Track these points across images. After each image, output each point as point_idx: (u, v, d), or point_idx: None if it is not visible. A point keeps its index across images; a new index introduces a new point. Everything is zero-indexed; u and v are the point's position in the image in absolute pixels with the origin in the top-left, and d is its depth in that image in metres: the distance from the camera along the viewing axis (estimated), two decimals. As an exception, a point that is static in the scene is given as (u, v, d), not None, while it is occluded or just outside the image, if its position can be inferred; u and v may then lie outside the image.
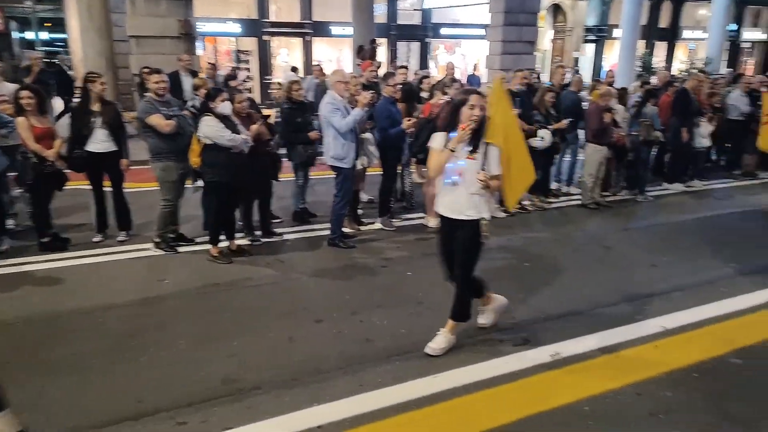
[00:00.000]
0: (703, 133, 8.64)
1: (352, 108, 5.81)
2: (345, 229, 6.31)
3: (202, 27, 17.46)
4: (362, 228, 6.66)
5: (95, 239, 6.10)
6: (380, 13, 21.42)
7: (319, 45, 22.13)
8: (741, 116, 9.24)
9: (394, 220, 6.86)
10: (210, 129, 5.22)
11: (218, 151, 5.25)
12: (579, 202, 7.87)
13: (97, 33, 12.56)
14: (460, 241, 3.79)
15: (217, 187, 5.44)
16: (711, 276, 5.37)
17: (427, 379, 3.55)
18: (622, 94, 7.92)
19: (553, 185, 8.36)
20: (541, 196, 7.76)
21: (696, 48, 26.39)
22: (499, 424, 3.13)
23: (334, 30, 21.70)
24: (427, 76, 9.99)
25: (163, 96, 5.63)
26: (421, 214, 7.11)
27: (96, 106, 5.77)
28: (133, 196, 6.51)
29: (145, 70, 7.60)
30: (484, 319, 4.25)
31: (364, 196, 7.44)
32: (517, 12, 14.12)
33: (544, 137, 7.08)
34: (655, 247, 6.29)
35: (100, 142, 5.77)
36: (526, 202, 7.59)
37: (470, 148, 3.62)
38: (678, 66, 23.77)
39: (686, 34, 26.83)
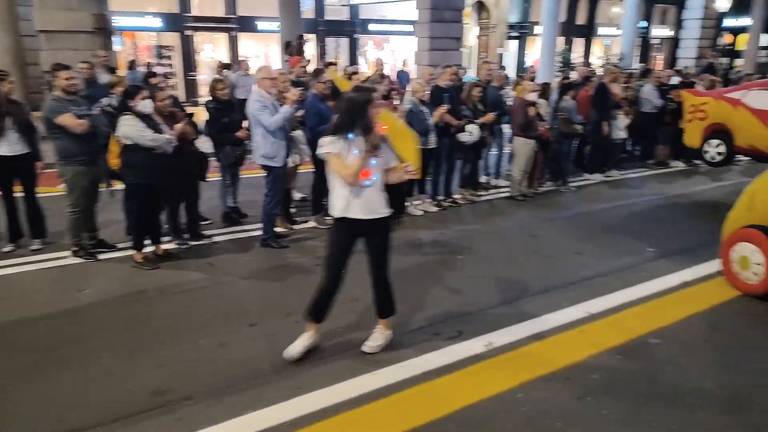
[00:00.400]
0: (620, 125, 9.11)
1: (281, 105, 5.70)
2: (277, 229, 6.20)
3: (118, 21, 16.61)
4: (295, 227, 6.56)
5: (6, 249, 5.69)
6: (308, 8, 21.13)
7: (245, 40, 21.60)
8: (653, 109, 9.80)
9: (328, 218, 6.80)
10: (130, 129, 4.96)
11: (139, 152, 5.01)
12: (507, 194, 8.11)
13: (2, 27, 11.68)
14: (377, 241, 3.72)
15: (139, 190, 5.20)
16: (631, 261, 5.67)
17: (364, 377, 3.54)
18: (545, 89, 8.21)
19: (482, 178, 8.56)
20: (471, 189, 7.93)
21: (611, 44, 27.79)
22: (437, 417, 3.17)
23: (261, 25, 21.25)
24: (356, 72, 10.00)
25: (75, 94, 5.31)
26: (354, 211, 7.08)
27: (5, 107, 5.38)
28: (47, 201, 6.11)
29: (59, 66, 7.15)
30: (377, 342, 3.86)
31: (296, 195, 7.34)
32: (443, 9, 14.36)
33: (472, 132, 7.23)
34: (579, 235, 6.58)
35: (11, 144, 5.39)
36: (457, 196, 7.74)
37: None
38: (595, 61, 24.95)
39: (602, 30, 28.20)
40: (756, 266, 4.70)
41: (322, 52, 21.71)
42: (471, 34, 24.02)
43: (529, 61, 24.30)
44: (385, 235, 3.76)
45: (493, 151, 8.79)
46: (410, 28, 20.67)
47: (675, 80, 10.82)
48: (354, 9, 22.16)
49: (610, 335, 4.10)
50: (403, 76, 14.74)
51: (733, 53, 27.46)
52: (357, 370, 3.61)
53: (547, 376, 3.58)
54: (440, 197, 7.55)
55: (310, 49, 19.65)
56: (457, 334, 4.11)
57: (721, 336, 4.15)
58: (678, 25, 25.28)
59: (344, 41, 23.05)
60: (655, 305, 4.64)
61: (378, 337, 3.90)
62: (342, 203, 3.59)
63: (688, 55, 20.92)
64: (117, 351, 3.88)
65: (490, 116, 7.55)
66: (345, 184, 3.52)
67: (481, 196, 8.06)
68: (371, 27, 23.20)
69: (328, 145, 3.49)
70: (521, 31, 25.68)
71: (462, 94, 7.63)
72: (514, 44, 26.02)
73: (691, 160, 10.45)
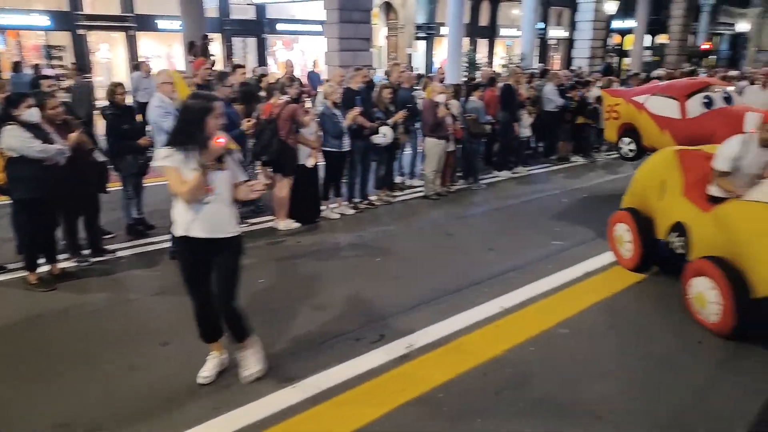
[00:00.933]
0: (524, 124, 9.54)
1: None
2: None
3: (0, 19, 15.27)
4: (207, 236, 6.31)
5: None
6: (211, 7, 20.45)
7: (145, 40, 20.55)
8: (555, 108, 10.35)
9: (241, 225, 6.60)
10: (15, 140, 4.56)
11: (27, 165, 4.61)
12: (422, 193, 8.26)
13: None
14: (223, 263, 3.34)
15: (29, 205, 4.79)
16: (540, 254, 5.94)
17: (284, 390, 3.46)
18: (457, 90, 8.43)
19: (397, 179, 8.66)
20: (386, 190, 8.00)
21: (512, 45, 29.05)
22: (361, 425, 3.15)
23: (161, 24, 20.30)
24: (265, 75, 9.78)
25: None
26: (269, 217, 6.94)
27: None
28: None
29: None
30: (251, 368, 3.53)
31: (206, 203, 7.05)
32: (351, 9, 14.35)
33: (386, 134, 7.28)
34: (491, 231, 6.82)
35: None
36: (373, 198, 7.78)
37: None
38: (498, 61, 26.00)
39: (504, 32, 29.43)
40: (626, 243, 5.36)
41: (228, 53, 21.07)
42: (380, 34, 24.25)
43: (437, 62, 24.88)
44: (232, 257, 3.38)
45: (407, 152, 8.92)
46: (319, 28, 20.56)
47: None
48: (260, 8, 21.70)
49: (523, 328, 4.27)
50: (314, 77, 14.63)
51: (621, 53, 29.60)
52: (276, 385, 3.51)
53: (466, 373, 3.67)
54: (356, 199, 7.56)
55: (215, 49, 19.01)
56: (379, 338, 4.12)
57: (622, 322, 4.45)
58: (572, 26, 26.87)
59: (252, 41, 22.52)
60: (562, 296, 4.89)
61: (249, 362, 3.55)
62: (183, 220, 3.25)
63: (582, 55, 22.25)
64: (13, 383, 3.55)
65: (400, 114, 7.62)
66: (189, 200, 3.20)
67: (396, 196, 8.16)
68: (279, 27, 22.82)
69: (163, 159, 3.16)
70: (428, 31, 26.26)
71: (373, 96, 7.67)
72: (422, 44, 26.57)
73: (590, 154, 11.14)
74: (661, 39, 29.89)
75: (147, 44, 20.61)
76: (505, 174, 9.63)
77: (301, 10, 22.45)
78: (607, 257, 5.70)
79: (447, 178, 8.46)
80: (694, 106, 7.27)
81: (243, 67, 8.72)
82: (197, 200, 3.19)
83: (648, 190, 5.29)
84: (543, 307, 4.68)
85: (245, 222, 6.73)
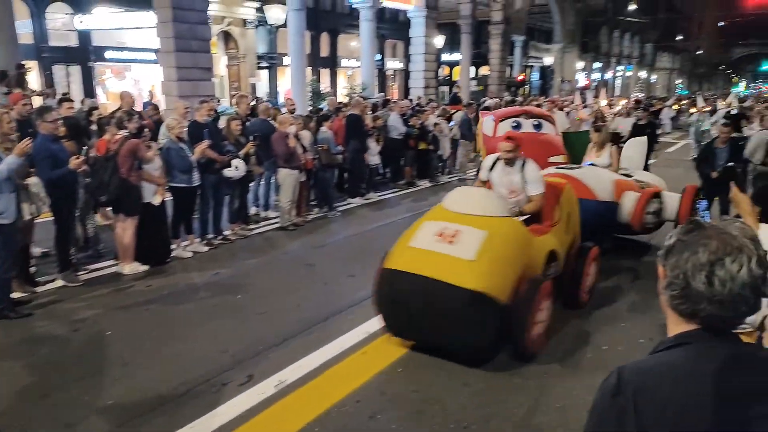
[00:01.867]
0: (373, 151, 9.94)
1: (5, 152, 4.86)
2: (15, 295, 5.24)
3: None
4: (38, 289, 5.62)
5: None
6: (25, 32, 18.44)
7: (-59, 68, 17.80)
8: (399, 135, 10.92)
9: (79, 273, 5.99)
10: None
11: None
12: (278, 225, 8.17)
13: None
14: None
15: None
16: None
17: (150, 450, 3.20)
18: (308, 121, 8.53)
19: (252, 211, 8.49)
20: (241, 224, 7.79)
21: (353, 74, 30.14)
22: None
23: (-37, 50, 17.77)
24: (96, 108, 9.06)
25: None
26: (112, 262, 6.38)
27: None
28: None
29: None
30: None
31: (36, 250, 6.30)
32: (189, 38, 13.88)
33: (238, 167, 7.12)
34: (350, 258, 6.95)
35: None
36: (227, 232, 7.52)
37: None
38: (341, 91, 26.79)
39: (344, 62, 30.42)
40: None
41: (49, 82, 19.08)
42: (220, 63, 23.68)
43: (281, 91, 24.91)
44: None
45: (261, 183, 8.79)
46: (153, 56, 19.53)
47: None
48: (84, 35, 20.00)
49: (390, 352, 4.41)
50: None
51: (451, 83, 32.17)
52: (141, 444, 3.24)
53: (340, 402, 3.70)
54: (210, 236, 7.25)
55: (33, 79, 17.13)
56: (247, 380, 3.99)
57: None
58: (407, 58, 28.64)
59: (76, 69, 20.62)
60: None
61: None
62: None
63: (417, 85, 23.76)
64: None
65: (249, 144, 7.50)
66: None
67: (252, 229, 7.98)
68: (109, 54, 21.20)
69: None
70: (270, 61, 26.21)
71: (222, 130, 7.47)
72: (265, 74, 26.43)
73: (434, 177, 11.91)
74: (484, 71, 33.07)
75: (-57, 72, 17.89)
76: (358, 201, 9.90)
77: (133, 38, 21.12)
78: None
79: (302, 208, 8.48)
80: (504, 127, 8.28)
81: (71, 100, 7.99)
82: None
83: None
84: (406, 327, 4.87)
85: (84, 269, 6.13)
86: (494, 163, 5.24)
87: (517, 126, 8.20)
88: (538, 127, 8.27)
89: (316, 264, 6.71)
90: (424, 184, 11.74)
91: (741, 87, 79.83)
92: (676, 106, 28.03)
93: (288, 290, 5.82)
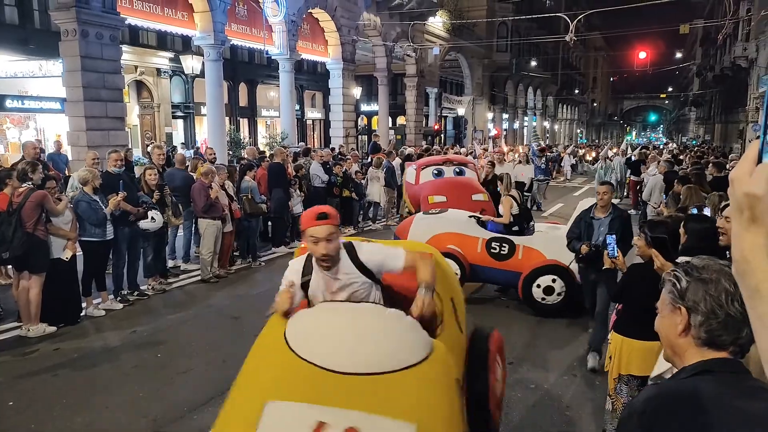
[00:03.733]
0: (296, 200, 9.88)
1: None
2: None
3: None
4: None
5: None
6: None
7: None
8: (321, 183, 10.96)
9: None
10: None
11: None
12: (199, 277, 7.84)
13: None
14: None
15: None
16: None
17: None
18: (232, 172, 8.40)
19: (170, 263, 8.11)
20: (159, 278, 7.41)
21: (273, 124, 30.15)
22: None
23: None
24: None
25: None
26: (14, 324, 5.84)
27: None
28: None
29: None
30: None
31: None
32: (99, 88, 13.42)
33: (155, 218, 6.83)
34: (276, 309, 6.75)
35: None
36: (144, 287, 7.13)
37: None
38: (261, 140, 26.64)
39: (264, 112, 30.43)
40: None
41: (-62, 132, 17.63)
42: (133, 113, 22.96)
43: (199, 140, 24.42)
44: None
45: (180, 234, 8.46)
46: (58, 105, 18.62)
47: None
48: (-19, 82, 18.79)
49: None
50: (59, 159, 13.03)
51: (370, 132, 32.95)
52: None
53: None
54: (125, 291, 6.83)
55: None
56: (171, 444, 3.72)
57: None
58: (327, 108, 29.11)
59: (-30, 119, 19.24)
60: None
61: None
62: None
63: (337, 134, 24.15)
64: None
65: (165, 192, 7.24)
66: None
67: (171, 283, 7.60)
68: (9, 104, 19.97)
69: None
70: (186, 110, 25.74)
71: (138, 180, 7.18)
72: (181, 123, 25.88)
73: (357, 224, 11.98)
74: (401, 120, 34.18)
75: None
76: (282, 249, 9.74)
77: (36, 86, 20.07)
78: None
79: (225, 259, 8.22)
80: (426, 175, 8.61)
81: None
82: None
83: None
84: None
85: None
86: (305, 276, 2.91)
87: (439, 173, 8.53)
88: (459, 173, 8.64)
89: (241, 316, 6.47)
90: (349, 230, 11.78)
91: (633, 135, 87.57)
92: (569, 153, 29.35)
93: (212, 346, 5.56)
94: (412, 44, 27.10)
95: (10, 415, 4.15)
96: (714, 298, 1.19)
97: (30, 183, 5.91)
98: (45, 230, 5.74)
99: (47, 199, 5.78)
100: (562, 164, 25.39)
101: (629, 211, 8.08)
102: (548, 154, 20.81)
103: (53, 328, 5.77)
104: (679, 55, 55.71)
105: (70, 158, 13.44)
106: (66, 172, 11.37)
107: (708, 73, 42.76)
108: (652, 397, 1.18)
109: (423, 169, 8.89)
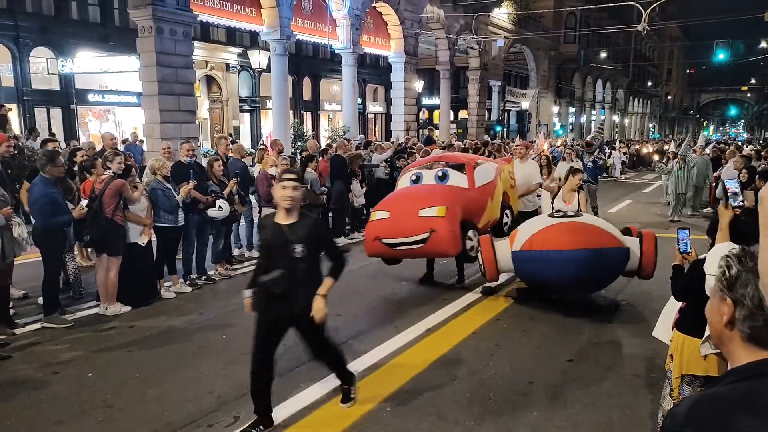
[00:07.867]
0: (358, 192, 10.03)
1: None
2: (-7, 338, 5.11)
3: None
4: (18, 331, 5.49)
5: None
6: (7, 76, 18.53)
7: None
8: (385, 176, 11.08)
9: (66, 315, 5.87)
10: None
11: None
12: (262, 265, 8.11)
13: None
14: None
15: None
16: (382, 317, 6.19)
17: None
18: (293, 162, 8.62)
19: (235, 251, 8.45)
20: (225, 264, 7.74)
21: (335, 117, 30.64)
22: None
23: (-56, 93, 17.74)
24: (80, 149, 9.05)
25: None
26: (93, 303, 6.28)
27: None
28: None
29: None
30: None
31: (16, 292, 6.18)
32: (172, 82, 14.08)
33: (222, 207, 7.13)
34: (335, 297, 6.88)
35: None
36: (211, 272, 7.47)
37: None
38: (323, 134, 27.14)
39: (326, 106, 30.95)
40: None
41: (30, 125, 19.02)
42: (203, 107, 23.93)
43: (264, 133, 25.16)
44: None
45: (242, 223, 8.79)
46: (134, 99, 19.67)
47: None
48: (67, 78, 20.12)
49: (380, 391, 4.38)
50: (134, 149, 13.80)
51: (433, 125, 32.85)
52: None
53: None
54: (194, 276, 7.19)
55: (14, 121, 17.11)
56: (234, 420, 3.92)
57: (465, 374, 4.79)
58: (388, 102, 29.26)
59: (57, 112, 20.63)
60: (407, 355, 5.13)
61: None
62: None
63: (398, 128, 24.23)
64: None
65: (231, 183, 7.53)
66: None
67: (236, 269, 7.93)
68: (91, 98, 21.30)
69: None
70: (252, 104, 26.56)
71: (205, 170, 7.51)
72: (247, 117, 26.73)
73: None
74: (463, 114, 33.87)
75: None
76: (342, 241, 9.92)
77: (115, 81, 21.28)
78: (442, 313, 6.13)
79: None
80: (404, 181, 7.78)
81: (56, 141, 8.00)
82: None
83: None
84: (397, 364, 4.86)
85: (65, 311, 6.01)
86: None
87: (417, 179, 7.52)
88: (442, 177, 7.42)
89: (301, 303, 6.65)
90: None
91: (710, 130, 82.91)
92: (624, 149, 27.71)
93: (274, 330, 5.76)
94: (475, 36, 26.75)
95: (89, 385, 4.48)
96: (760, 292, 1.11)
97: (111, 172, 6.31)
98: (123, 216, 6.13)
99: (125, 188, 6.15)
100: (610, 159, 23.55)
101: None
102: (596, 154, 16.77)
103: (128, 308, 6.16)
104: (763, 44, 52.09)
105: (145, 149, 14.20)
106: (141, 162, 11.99)
107: (796, 63, 39.83)
108: (697, 405, 1.07)
109: (403, 175, 7.86)
